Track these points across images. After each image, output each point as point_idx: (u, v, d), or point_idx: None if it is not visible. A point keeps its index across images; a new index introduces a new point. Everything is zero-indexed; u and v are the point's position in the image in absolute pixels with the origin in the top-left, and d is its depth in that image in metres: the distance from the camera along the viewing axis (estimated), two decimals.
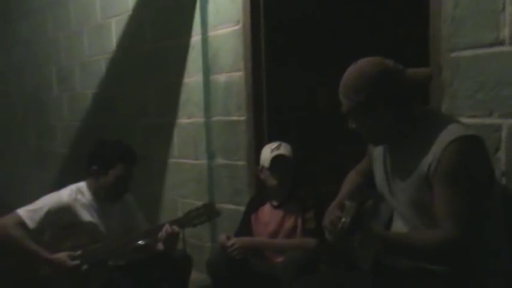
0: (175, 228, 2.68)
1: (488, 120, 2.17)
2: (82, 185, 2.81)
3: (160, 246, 2.76)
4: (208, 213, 2.76)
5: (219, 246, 2.82)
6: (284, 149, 2.82)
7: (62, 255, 2.58)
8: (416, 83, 1.84)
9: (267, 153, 2.83)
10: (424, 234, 1.80)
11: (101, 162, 2.75)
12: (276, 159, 2.79)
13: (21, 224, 2.59)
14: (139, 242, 2.76)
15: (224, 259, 2.76)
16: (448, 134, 1.74)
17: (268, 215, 2.90)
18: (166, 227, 2.67)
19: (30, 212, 2.63)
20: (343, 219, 1.65)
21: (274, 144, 2.86)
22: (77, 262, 2.59)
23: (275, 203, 2.89)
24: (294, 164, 2.83)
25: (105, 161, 2.74)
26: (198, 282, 3.38)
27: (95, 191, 2.78)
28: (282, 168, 2.81)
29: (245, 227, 2.97)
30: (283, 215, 2.84)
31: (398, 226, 1.97)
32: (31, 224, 2.60)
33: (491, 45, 2.12)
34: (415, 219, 1.88)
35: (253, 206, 3.00)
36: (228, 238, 2.81)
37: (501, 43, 2.09)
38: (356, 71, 1.83)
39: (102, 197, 2.78)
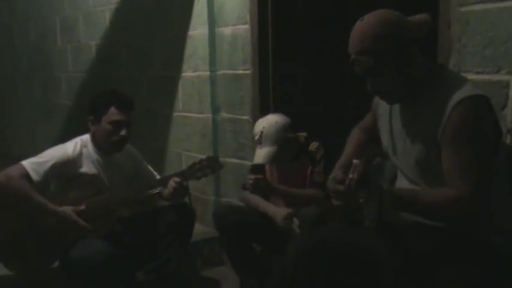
0: (182, 181, 2.71)
1: (496, 77, 2.14)
2: (86, 137, 2.81)
3: (166, 197, 2.80)
4: (211, 166, 2.78)
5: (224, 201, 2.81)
6: (264, 145, 2.66)
7: (67, 209, 2.60)
8: (420, 27, 1.80)
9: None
10: (434, 192, 1.80)
11: (95, 110, 2.75)
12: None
13: (26, 175, 2.59)
14: (154, 191, 2.78)
15: (230, 211, 2.76)
16: (455, 95, 1.72)
17: (280, 167, 2.87)
18: (172, 181, 2.70)
19: (35, 165, 2.63)
20: (350, 176, 1.65)
21: (256, 134, 2.71)
22: (80, 220, 2.59)
23: None
24: (291, 132, 2.73)
25: (98, 108, 2.74)
26: (202, 235, 3.43)
27: (96, 143, 2.78)
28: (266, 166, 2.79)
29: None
30: (293, 169, 2.82)
31: (403, 183, 1.97)
32: (35, 177, 2.60)
33: None
34: (419, 180, 1.88)
35: None
36: None
37: None
38: (374, 20, 1.76)
39: (104, 148, 2.78)
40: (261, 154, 2.68)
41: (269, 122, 2.71)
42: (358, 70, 1.82)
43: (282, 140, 2.68)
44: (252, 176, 2.71)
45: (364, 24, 1.78)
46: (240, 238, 2.81)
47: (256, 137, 2.71)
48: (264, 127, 2.69)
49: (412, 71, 1.81)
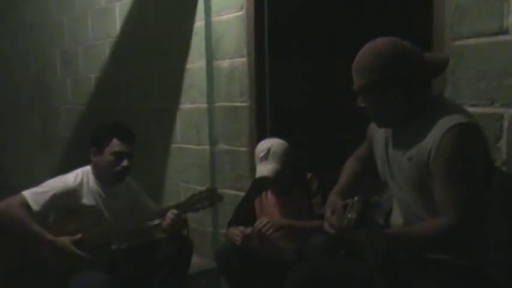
0: (180, 213, 2.71)
1: (490, 110, 2.17)
2: (87, 169, 2.83)
3: (165, 229, 2.78)
4: (210, 198, 2.78)
5: (227, 239, 2.78)
6: (271, 161, 2.67)
7: (64, 239, 2.60)
8: (433, 67, 1.85)
9: (257, 159, 2.74)
10: (423, 224, 1.80)
11: (97, 142, 2.78)
12: (258, 179, 2.74)
13: (26, 205, 2.60)
14: (152, 223, 2.78)
15: (233, 247, 2.72)
16: (447, 121, 1.74)
17: (274, 199, 2.86)
18: (171, 213, 2.70)
19: (35, 195, 2.64)
20: (349, 215, 1.64)
21: (262, 151, 2.71)
22: (77, 251, 2.58)
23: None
24: (292, 159, 2.73)
25: (100, 140, 2.77)
26: (199, 266, 3.40)
27: (97, 175, 2.80)
28: (267, 185, 2.79)
29: (246, 210, 2.91)
30: (288, 199, 2.81)
31: (397, 215, 1.98)
32: (35, 207, 2.61)
33: (495, 34, 2.12)
34: (416, 204, 1.88)
35: (257, 189, 2.94)
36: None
37: (505, 32, 2.09)
38: (373, 49, 1.82)
39: (105, 180, 2.80)
40: (267, 168, 2.67)
41: (277, 141, 2.75)
42: (353, 86, 1.88)
43: (288, 161, 2.70)
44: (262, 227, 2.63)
45: (368, 49, 1.84)
46: (244, 277, 2.77)
47: (262, 154, 2.71)
48: (272, 145, 2.72)
49: (394, 108, 1.85)
